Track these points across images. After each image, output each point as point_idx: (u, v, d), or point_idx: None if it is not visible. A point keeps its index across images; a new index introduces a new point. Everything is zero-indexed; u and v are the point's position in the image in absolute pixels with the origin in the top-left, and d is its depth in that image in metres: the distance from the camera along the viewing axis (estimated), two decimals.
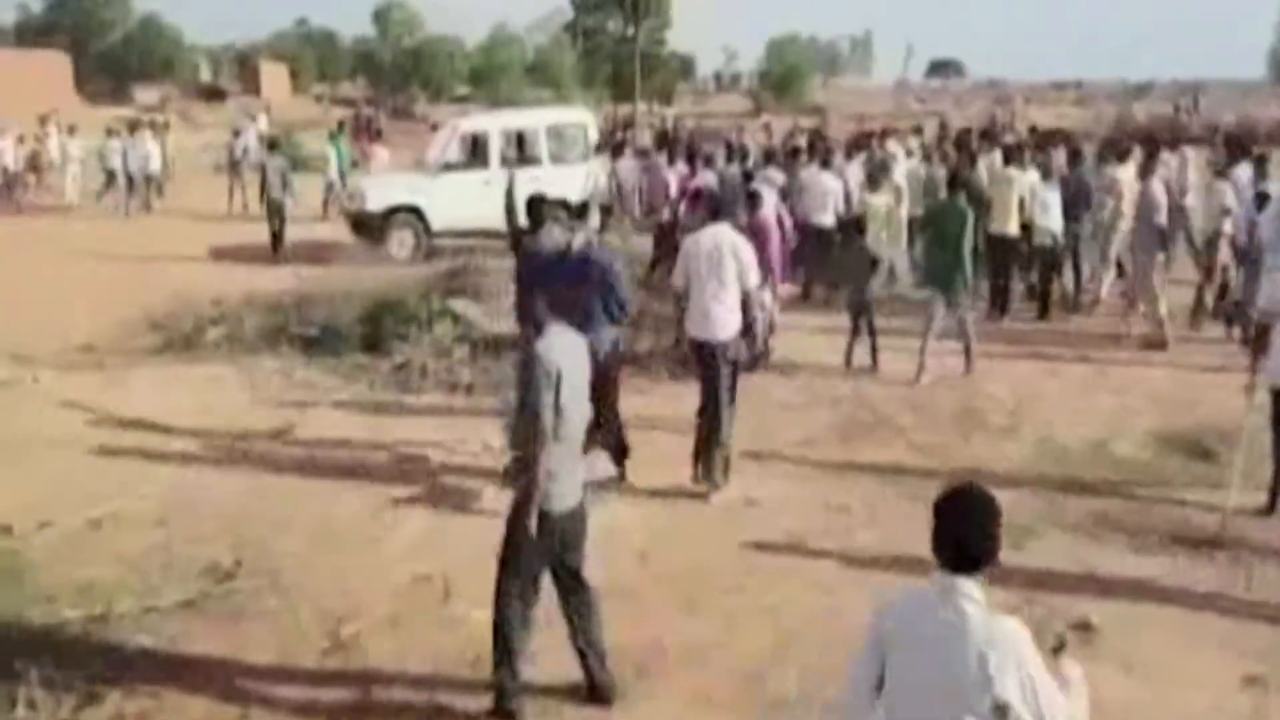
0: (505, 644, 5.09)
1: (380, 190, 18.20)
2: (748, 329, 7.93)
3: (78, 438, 9.02)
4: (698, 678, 5.48)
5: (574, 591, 5.20)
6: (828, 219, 14.19)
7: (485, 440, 8.76)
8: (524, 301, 5.27)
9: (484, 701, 5.23)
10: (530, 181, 17.57)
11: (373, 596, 6.33)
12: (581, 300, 7.05)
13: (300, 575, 6.59)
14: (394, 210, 17.68)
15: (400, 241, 17.55)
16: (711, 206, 8.42)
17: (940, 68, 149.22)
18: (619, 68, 63.68)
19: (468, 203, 17.32)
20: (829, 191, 14.31)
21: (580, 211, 16.07)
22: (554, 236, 8.15)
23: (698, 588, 6.44)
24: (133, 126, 27.42)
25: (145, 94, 67.96)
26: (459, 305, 11.64)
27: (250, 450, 8.84)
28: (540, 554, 5.02)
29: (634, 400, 9.36)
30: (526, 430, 4.89)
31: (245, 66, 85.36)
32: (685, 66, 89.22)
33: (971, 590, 3.12)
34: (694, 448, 7.96)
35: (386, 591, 6.40)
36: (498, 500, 7.76)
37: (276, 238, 18.91)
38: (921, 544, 7.12)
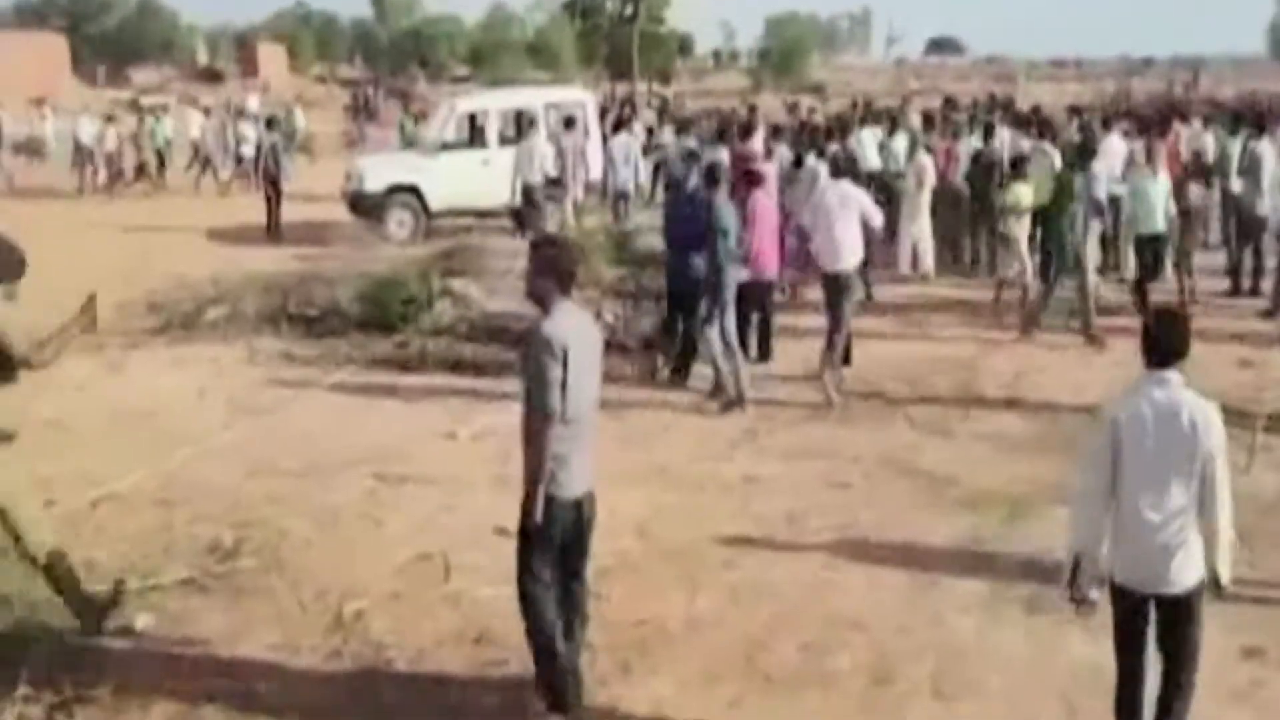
0: (537, 636, 4.85)
1: (379, 170, 18.16)
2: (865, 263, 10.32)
3: (78, 419, 9.04)
4: (699, 653, 5.51)
5: (569, 589, 4.99)
6: None
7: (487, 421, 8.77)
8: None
9: (489, 678, 5.26)
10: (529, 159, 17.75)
11: (374, 575, 6.35)
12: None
13: (302, 554, 6.61)
14: (392, 190, 17.64)
15: (399, 221, 17.51)
16: (846, 168, 10.42)
17: (939, 45, 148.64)
18: (617, 46, 63.40)
19: (466, 182, 17.31)
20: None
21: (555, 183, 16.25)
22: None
23: (698, 564, 6.46)
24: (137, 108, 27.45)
25: (142, 76, 67.82)
26: (458, 285, 11.65)
27: (251, 429, 8.85)
28: (553, 539, 4.82)
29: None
30: (533, 410, 4.70)
31: (243, 48, 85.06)
32: (684, 44, 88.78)
33: (1177, 377, 4.22)
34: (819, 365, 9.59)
35: (388, 570, 6.42)
36: (498, 479, 7.81)
37: (271, 216, 19.06)
38: (920, 520, 7.18)
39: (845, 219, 9.51)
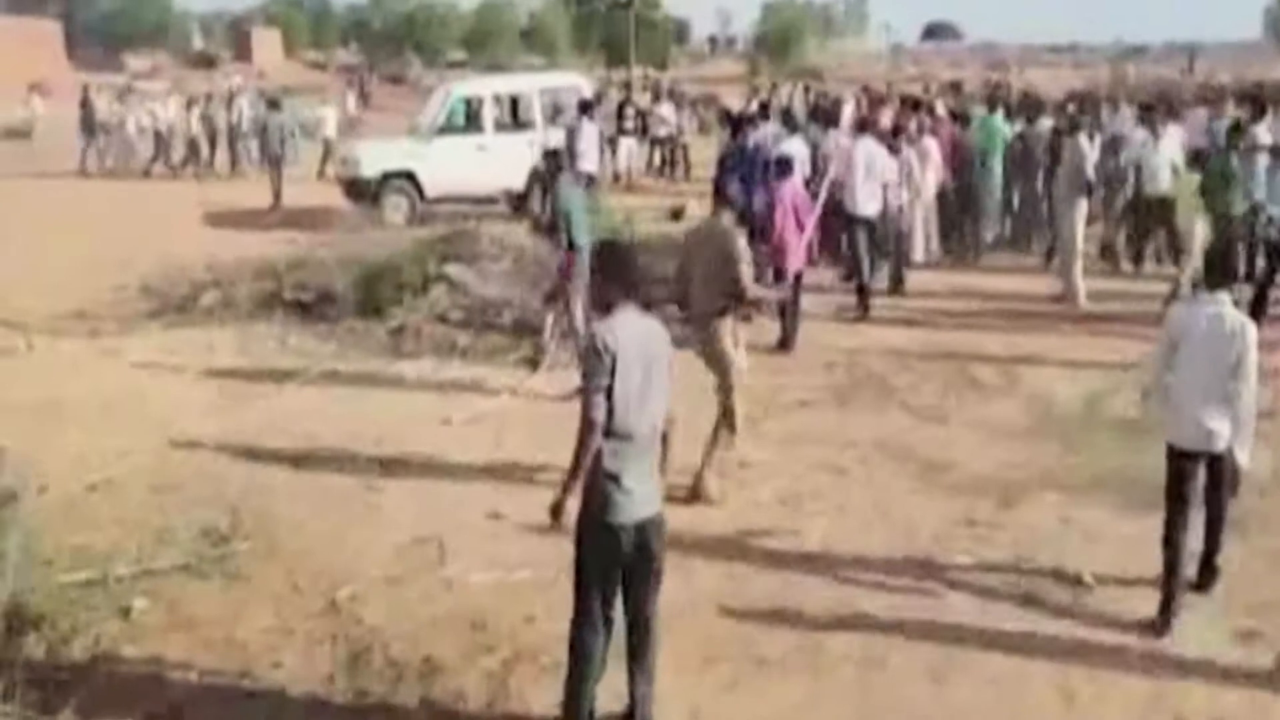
0: (572, 674, 4.57)
1: (374, 155, 18.11)
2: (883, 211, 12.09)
3: (72, 403, 9.01)
4: (695, 635, 5.51)
5: (632, 632, 4.64)
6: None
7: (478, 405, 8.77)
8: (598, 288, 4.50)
9: (481, 664, 5.26)
10: (526, 146, 17.74)
11: (369, 560, 6.35)
12: None
13: (296, 539, 6.60)
14: (388, 175, 17.59)
15: (395, 206, 17.45)
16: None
17: (936, 31, 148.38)
18: (613, 32, 63.24)
19: (462, 168, 17.27)
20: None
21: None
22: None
23: (694, 549, 6.46)
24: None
25: (136, 61, 67.55)
26: (453, 270, 11.62)
27: (245, 414, 8.84)
28: (607, 571, 4.47)
29: None
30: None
31: (237, 33, 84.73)
32: (680, 30, 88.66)
33: (1226, 298, 5.47)
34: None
35: (383, 555, 6.42)
36: (493, 465, 7.82)
37: (277, 194, 19.85)
38: (915, 504, 7.19)
39: (868, 173, 11.74)
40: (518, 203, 17.69)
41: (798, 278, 10.49)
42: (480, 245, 12.25)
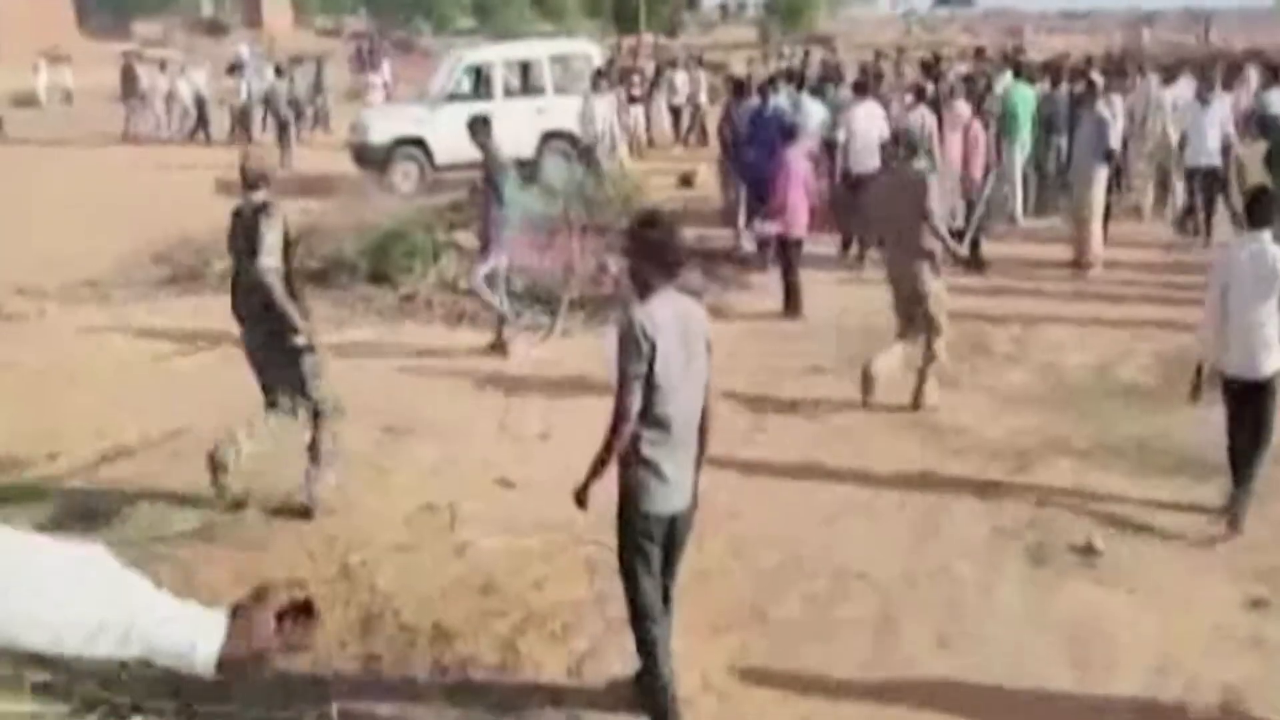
0: (650, 670, 4.47)
1: (383, 122, 18.06)
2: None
3: (86, 371, 9.05)
4: (704, 605, 5.52)
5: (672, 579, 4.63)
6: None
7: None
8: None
9: (491, 629, 5.28)
10: (535, 112, 17.66)
11: (380, 525, 6.37)
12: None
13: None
14: (397, 142, 17.54)
15: (404, 173, 17.43)
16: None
17: None
18: None
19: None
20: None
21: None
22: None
23: (703, 515, 6.40)
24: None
25: (146, 28, 67.34)
26: (463, 237, 11.60)
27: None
28: (651, 559, 4.39)
29: None
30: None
31: (247, 0, 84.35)
32: None
33: (1266, 235, 6.02)
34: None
35: (393, 520, 6.44)
36: (503, 430, 7.83)
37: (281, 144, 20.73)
38: (925, 471, 7.17)
39: (869, 132, 12.54)
40: (528, 170, 17.61)
41: (798, 244, 10.52)
42: None
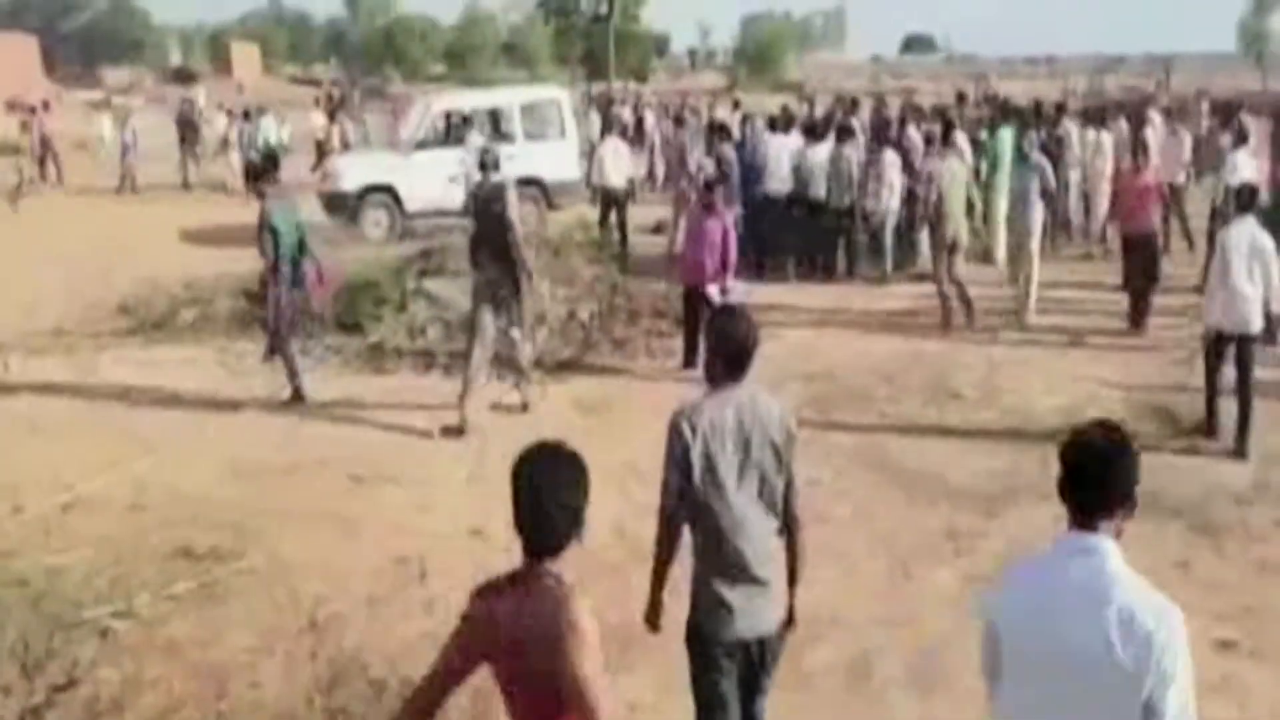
0: None
1: (354, 169, 18.08)
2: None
3: (48, 421, 8.95)
4: (676, 651, 5.46)
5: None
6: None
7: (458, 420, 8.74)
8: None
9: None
10: (505, 159, 17.71)
11: (349, 577, 6.31)
12: None
13: (275, 557, 6.55)
14: (368, 190, 17.55)
15: (375, 221, 17.43)
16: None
17: (914, 43, 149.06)
18: (593, 45, 63.34)
19: (442, 181, 17.24)
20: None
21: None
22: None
23: (675, 563, 6.43)
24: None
25: (115, 76, 67.37)
26: (433, 285, 11.60)
27: (224, 431, 8.79)
28: (717, 686, 3.93)
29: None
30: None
31: (216, 47, 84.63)
32: (660, 44, 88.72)
33: (1251, 219, 8.04)
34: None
35: (363, 572, 6.38)
36: (474, 480, 7.79)
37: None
38: (895, 514, 7.18)
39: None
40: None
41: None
42: (460, 259, 12.22)
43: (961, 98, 23.64)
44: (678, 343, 11.18)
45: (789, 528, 3.96)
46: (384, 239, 16.69)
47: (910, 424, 8.80)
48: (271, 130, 25.59)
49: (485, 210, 8.92)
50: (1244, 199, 8.27)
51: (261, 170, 9.43)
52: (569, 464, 2.88)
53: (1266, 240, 7.96)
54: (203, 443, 8.54)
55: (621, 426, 8.80)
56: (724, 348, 3.85)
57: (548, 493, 2.83)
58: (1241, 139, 13.09)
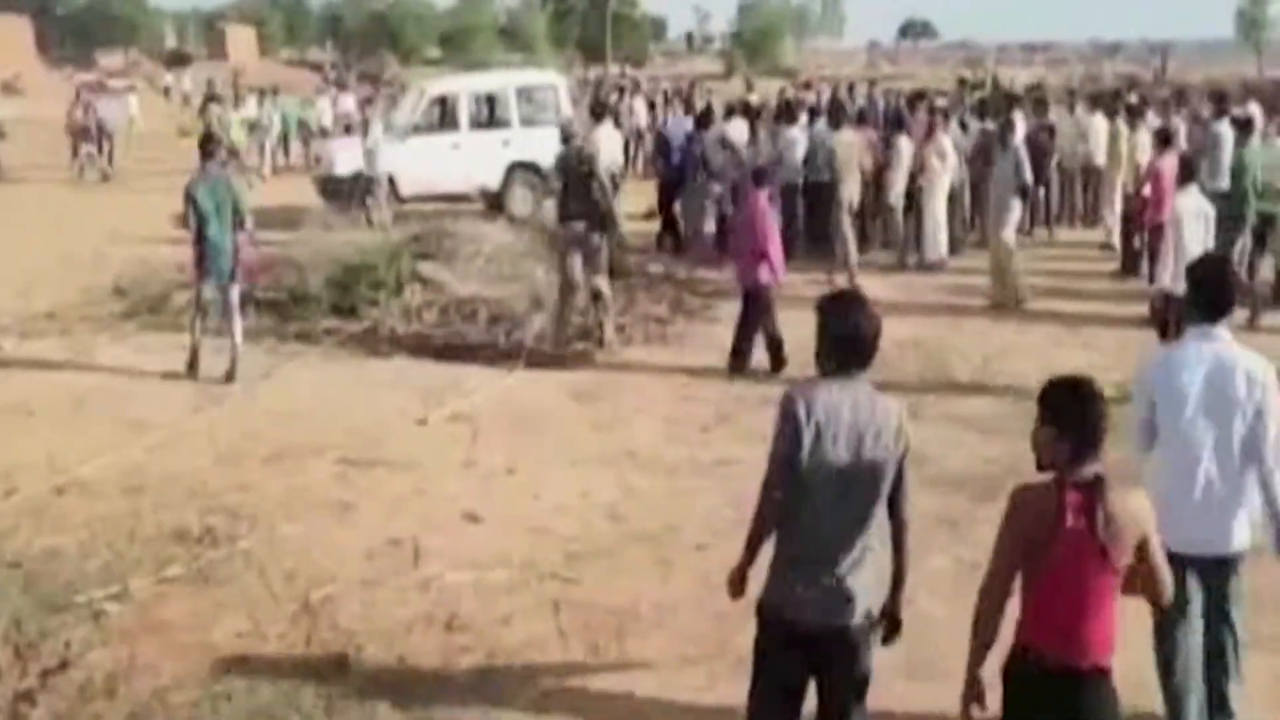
0: None
1: (348, 154, 18.00)
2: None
3: (42, 404, 8.93)
4: (673, 635, 5.50)
5: None
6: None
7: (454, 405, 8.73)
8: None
9: (457, 665, 5.23)
10: (501, 144, 17.68)
11: (343, 561, 6.30)
12: None
13: (269, 540, 6.54)
14: (362, 174, 17.47)
15: (370, 206, 17.36)
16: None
17: (911, 29, 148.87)
18: (590, 30, 63.20)
19: (437, 166, 17.18)
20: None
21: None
22: None
23: (671, 547, 6.45)
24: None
25: (109, 59, 67.10)
26: (428, 268, 11.57)
27: (219, 415, 8.77)
28: (774, 671, 3.82)
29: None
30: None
31: (211, 30, 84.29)
32: (656, 28, 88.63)
33: (1194, 188, 8.44)
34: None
35: (357, 555, 6.37)
36: (469, 464, 7.77)
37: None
38: None
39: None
40: (493, 200, 17.65)
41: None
42: (455, 243, 12.21)
43: (963, 83, 23.69)
44: (675, 329, 11.23)
45: (896, 530, 3.88)
46: (379, 223, 16.62)
47: (907, 408, 8.76)
48: (293, 112, 25.52)
49: (574, 172, 10.40)
50: (1187, 170, 9.04)
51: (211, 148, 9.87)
52: None
53: (1209, 207, 8.80)
54: (197, 426, 8.52)
55: (618, 413, 8.79)
56: (838, 337, 3.73)
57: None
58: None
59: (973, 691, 3.66)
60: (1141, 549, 3.43)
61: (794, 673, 3.78)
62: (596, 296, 10.46)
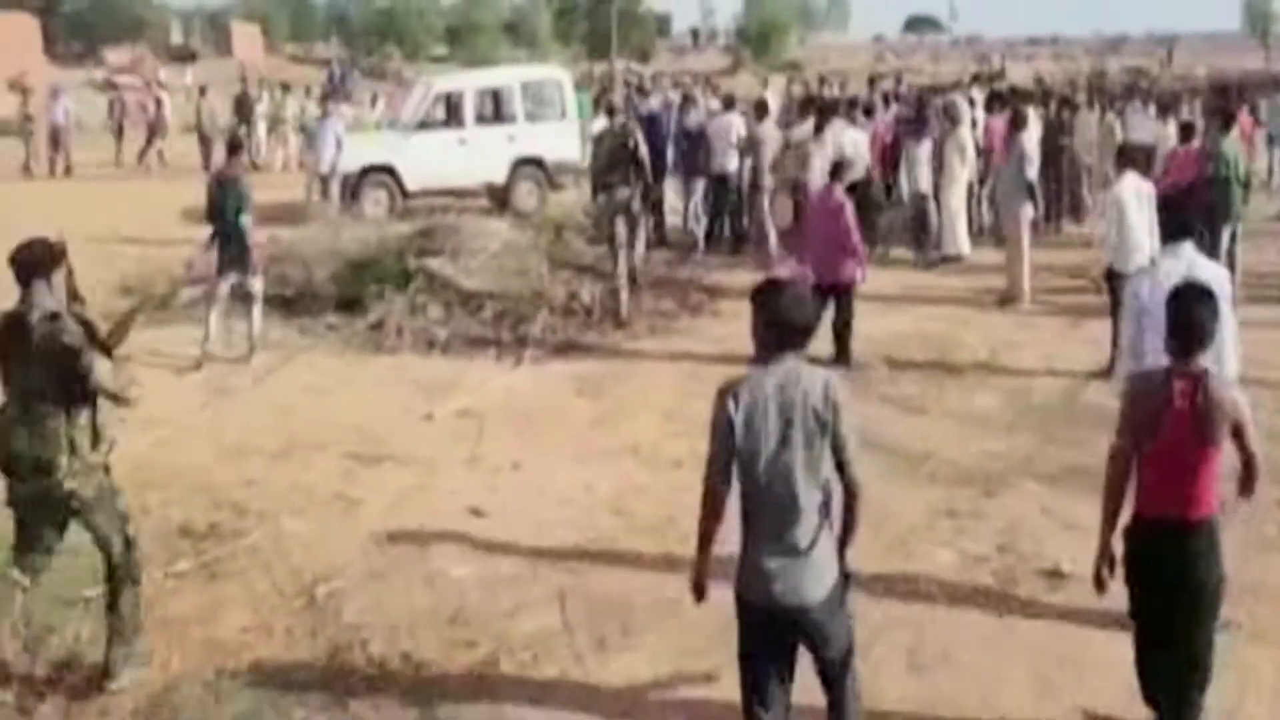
0: None
1: (354, 150, 18.03)
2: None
3: None
4: (676, 629, 5.51)
5: (831, 706, 4.22)
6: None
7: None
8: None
9: (462, 659, 5.25)
10: (507, 140, 17.71)
11: (349, 555, 6.32)
12: None
13: (276, 535, 6.57)
14: (368, 170, 17.51)
15: (375, 201, 17.38)
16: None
17: (917, 23, 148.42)
18: (595, 25, 63.10)
19: (442, 161, 17.21)
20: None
21: None
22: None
23: (674, 540, 6.45)
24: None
25: (115, 56, 67.04)
26: (433, 264, 11.58)
27: (224, 410, 8.80)
28: (756, 656, 3.99)
29: None
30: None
31: (217, 27, 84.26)
32: (662, 23, 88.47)
33: (1132, 176, 9.16)
34: None
35: (363, 550, 6.40)
36: (474, 459, 7.80)
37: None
38: (894, 494, 7.19)
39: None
40: (499, 195, 17.69)
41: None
42: (460, 238, 12.22)
43: (977, 78, 23.55)
44: (680, 323, 11.25)
45: (847, 492, 3.99)
46: (384, 219, 16.64)
47: (910, 404, 8.79)
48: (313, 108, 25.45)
49: (618, 145, 11.46)
50: (1123, 157, 9.76)
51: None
52: None
53: (1149, 188, 9.30)
54: (204, 421, 8.55)
55: (622, 407, 8.81)
56: (769, 321, 3.87)
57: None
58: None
59: (1104, 557, 4.49)
60: (1238, 433, 4.08)
61: (772, 653, 3.95)
62: (631, 277, 11.16)
